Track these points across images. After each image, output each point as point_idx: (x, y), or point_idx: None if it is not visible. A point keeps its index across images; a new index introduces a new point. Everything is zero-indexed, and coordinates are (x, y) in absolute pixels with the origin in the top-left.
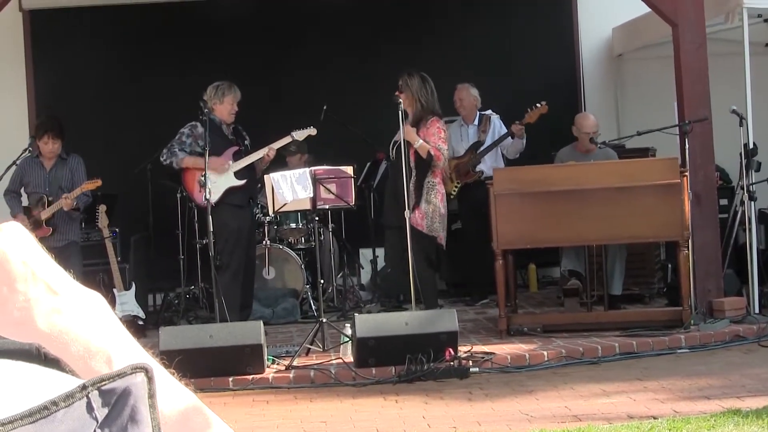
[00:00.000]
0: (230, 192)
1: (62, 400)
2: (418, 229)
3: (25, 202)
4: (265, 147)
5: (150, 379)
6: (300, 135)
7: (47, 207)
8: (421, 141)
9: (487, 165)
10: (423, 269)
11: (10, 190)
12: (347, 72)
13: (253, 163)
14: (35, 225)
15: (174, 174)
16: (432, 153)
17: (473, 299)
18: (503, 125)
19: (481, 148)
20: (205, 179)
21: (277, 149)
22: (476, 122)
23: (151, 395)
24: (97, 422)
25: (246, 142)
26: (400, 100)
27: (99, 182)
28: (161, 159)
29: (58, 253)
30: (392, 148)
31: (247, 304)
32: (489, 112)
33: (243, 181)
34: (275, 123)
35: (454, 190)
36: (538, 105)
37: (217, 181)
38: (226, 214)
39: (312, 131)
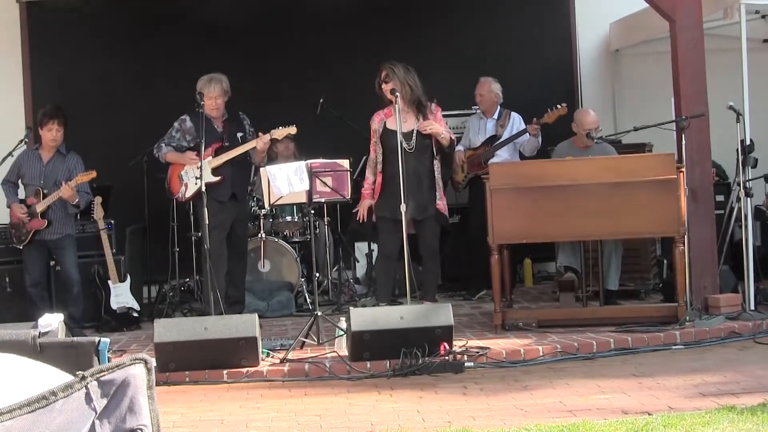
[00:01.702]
0: (208, 188)
1: (61, 391)
2: (445, 215)
3: (23, 194)
4: (245, 144)
5: (149, 371)
6: (279, 134)
7: (42, 200)
8: (445, 131)
9: (501, 159)
10: (437, 259)
11: (8, 180)
12: (344, 66)
13: (243, 158)
14: (31, 217)
15: (168, 167)
16: (452, 139)
17: (470, 293)
18: (523, 123)
19: (496, 143)
20: (201, 171)
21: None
22: (496, 116)
23: (150, 386)
24: (96, 413)
25: (239, 135)
26: (397, 94)
27: (94, 174)
28: (154, 153)
29: (53, 245)
30: (403, 141)
31: (239, 300)
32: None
33: (218, 178)
34: (272, 118)
35: (463, 180)
36: (558, 106)
37: (196, 175)
38: (204, 210)
39: (292, 130)
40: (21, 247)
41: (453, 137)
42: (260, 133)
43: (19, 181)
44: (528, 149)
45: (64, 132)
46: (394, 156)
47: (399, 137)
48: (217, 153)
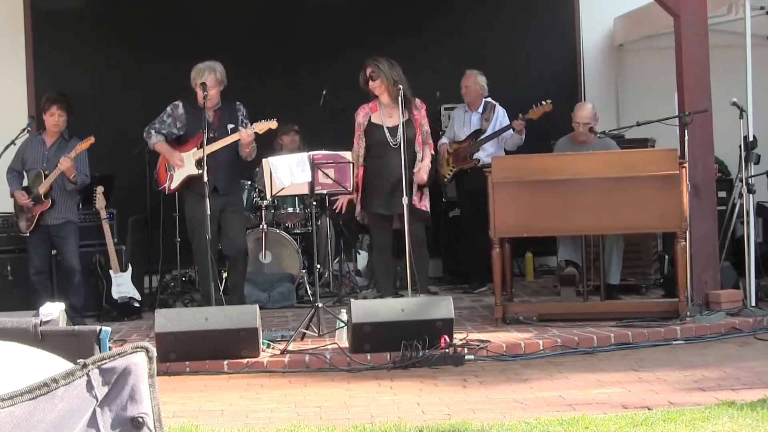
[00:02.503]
0: (191, 180)
1: (62, 378)
2: (424, 210)
3: (26, 182)
4: (228, 137)
5: (150, 359)
6: (260, 127)
7: (44, 180)
8: (428, 163)
9: (486, 153)
10: (423, 250)
11: (12, 169)
12: (348, 60)
13: (230, 150)
14: (35, 201)
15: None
16: (433, 154)
17: (471, 287)
18: (507, 116)
19: (481, 137)
20: (203, 160)
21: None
22: (480, 110)
23: (152, 375)
24: (97, 400)
25: (230, 126)
26: (399, 88)
27: (92, 140)
28: (144, 136)
29: (55, 231)
30: (389, 135)
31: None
32: (491, 100)
33: (200, 171)
34: (275, 112)
35: (449, 174)
36: (543, 103)
37: (181, 168)
38: (190, 203)
39: (272, 124)
40: (27, 234)
41: (432, 152)
42: (241, 128)
43: (24, 170)
44: (509, 144)
45: (68, 118)
46: (377, 150)
47: (400, 130)
48: (203, 144)
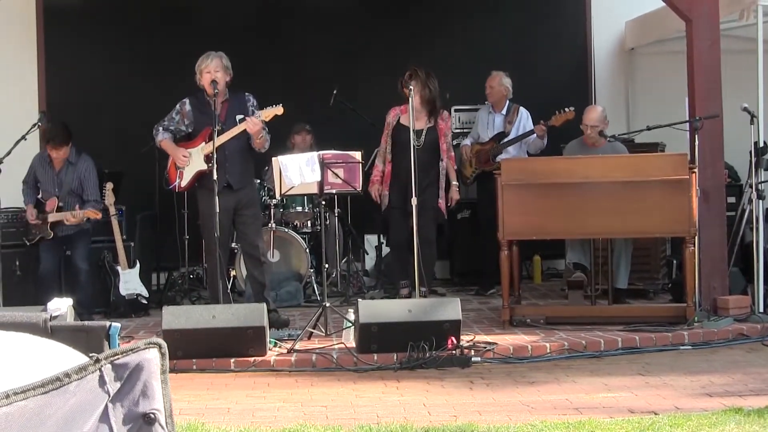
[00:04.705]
0: (201, 176)
1: (75, 372)
2: (443, 214)
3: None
4: (234, 128)
5: (163, 355)
6: (266, 115)
7: (55, 211)
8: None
9: (509, 155)
10: (432, 247)
11: (27, 181)
12: (358, 60)
13: (241, 143)
14: (42, 222)
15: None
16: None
17: (484, 288)
18: (530, 119)
19: (504, 140)
20: (213, 154)
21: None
22: (504, 111)
23: (164, 371)
24: (109, 396)
25: (239, 117)
26: (411, 87)
27: (99, 215)
28: (153, 134)
29: (66, 240)
30: (417, 138)
31: (257, 291)
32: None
33: (209, 165)
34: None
35: (471, 175)
36: (566, 110)
37: (191, 164)
38: (202, 199)
39: (278, 110)
40: (28, 245)
41: (455, 166)
42: (248, 117)
43: (38, 184)
44: (532, 148)
45: (68, 145)
46: (403, 150)
47: (415, 129)
48: (211, 138)
